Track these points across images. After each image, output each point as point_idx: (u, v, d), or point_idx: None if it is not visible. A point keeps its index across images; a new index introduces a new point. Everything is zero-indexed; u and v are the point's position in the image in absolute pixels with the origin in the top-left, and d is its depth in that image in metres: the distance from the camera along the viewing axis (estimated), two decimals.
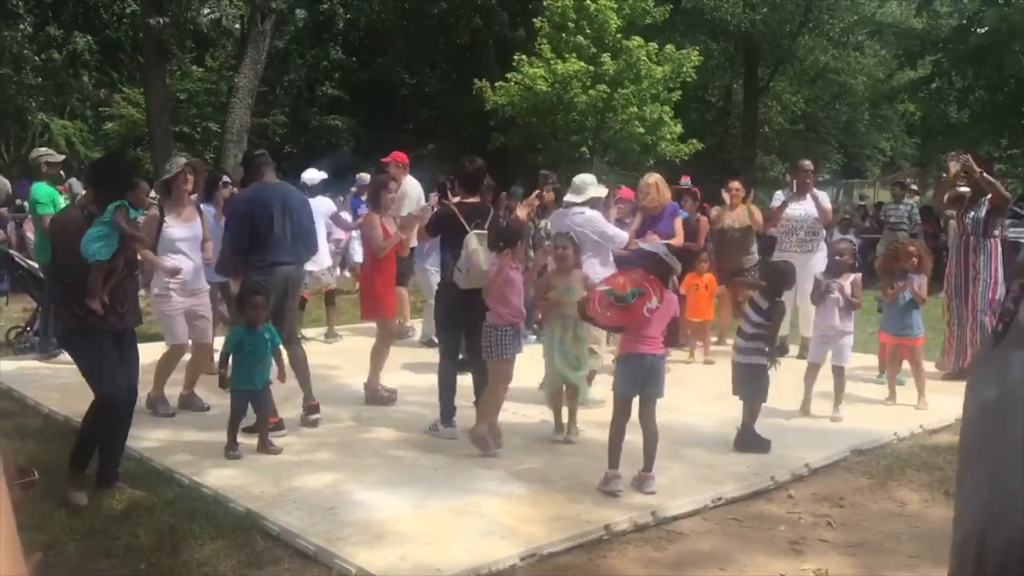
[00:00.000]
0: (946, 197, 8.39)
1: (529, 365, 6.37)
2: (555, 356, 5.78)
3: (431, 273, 8.62)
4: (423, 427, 6.10)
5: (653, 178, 8.41)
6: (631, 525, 4.44)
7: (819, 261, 8.50)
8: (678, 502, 4.73)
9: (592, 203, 6.84)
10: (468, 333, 6.12)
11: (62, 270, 4.83)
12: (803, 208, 8.72)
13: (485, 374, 5.96)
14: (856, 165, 38.43)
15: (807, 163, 9.13)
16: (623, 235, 7.07)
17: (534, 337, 8.42)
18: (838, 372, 6.59)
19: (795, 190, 8.71)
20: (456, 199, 6.41)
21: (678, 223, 8.25)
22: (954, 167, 7.96)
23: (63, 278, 4.80)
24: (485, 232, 5.85)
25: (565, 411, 6.01)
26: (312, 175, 9.91)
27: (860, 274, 6.82)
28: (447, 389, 6.06)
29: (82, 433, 4.88)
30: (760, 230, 9.33)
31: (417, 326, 9.87)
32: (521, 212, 7.30)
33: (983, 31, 20.19)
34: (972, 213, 7.97)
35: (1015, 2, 19.46)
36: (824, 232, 9.07)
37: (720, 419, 6.07)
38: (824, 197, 9.16)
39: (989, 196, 7.87)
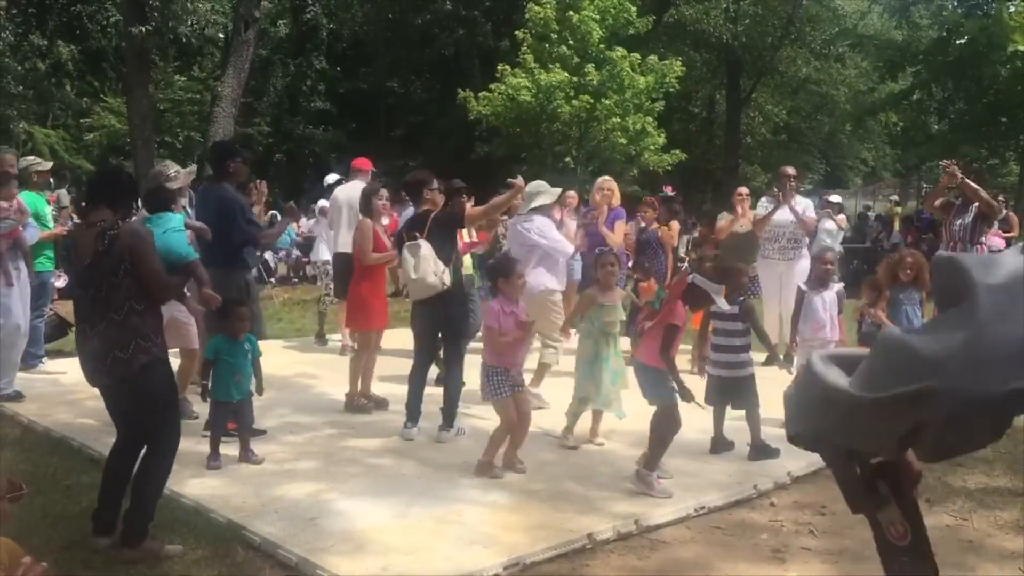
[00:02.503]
0: (937, 203, 8.44)
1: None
2: (601, 372, 5.76)
3: None
4: (422, 416, 6.17)
5: (611, 181, 8.56)
6: (614, 534, 4.44)
7: (803, 269, 8.53)
8: (661, 511, 4.74)
9: (541, 210, 7.06)
10: (444, 342, 6.21)
11: (138, 294, 4.08)
12: (785, 215, 8.77)
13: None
14: (838, 175, 38.72)
15: (790, 169, 9.18)
16: (567, 244, 7.17)
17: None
18: None
19: (782, 197, 8.75)
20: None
21: (619, 226, 8.31)
22: (948, 180, 8.04)
23: (136, 303, 4.06)
24: (417, 243, 5.95)
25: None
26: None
27: (842, 284, 6.84)
28: (414, 393, 6.17)
29: (156, 487, 4.24)
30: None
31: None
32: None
33: (962, 42, 20.43)
34: (960, 220, 7.99)
35: (994, 14, 19.71)
36: (807, 240, 9.10)
37: (703, 428, 6.06)
38: (808, 205, 9.20)
39: (977, 203, 7.92)
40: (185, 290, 5.19)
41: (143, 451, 4.22)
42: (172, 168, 6.34)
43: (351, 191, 8.91)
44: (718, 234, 9.67)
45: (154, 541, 4.14)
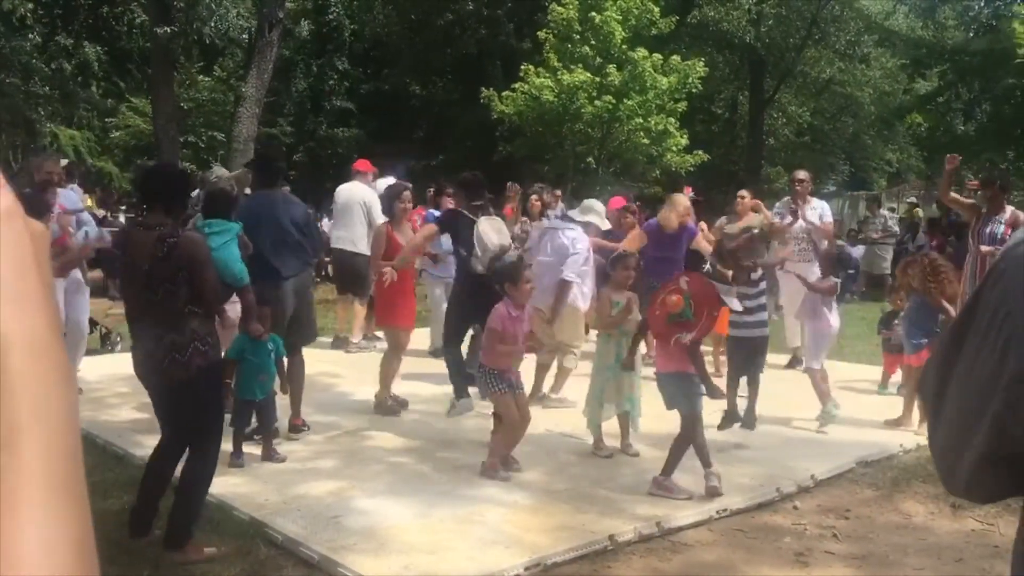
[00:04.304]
0: (965, 200, 8.41)
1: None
2: (622, 375, 5.70)
3: (435, 280, 8.80)
4: (443, 416, 6.17)
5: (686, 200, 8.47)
6: (636, 535, 4.43)
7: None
8: (683, 513, 4.72)
9: (586, 226, 7.12)
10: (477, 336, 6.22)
11: (194, 298, 4.12)
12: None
13: None
14: (862, 177, 38.41)
15: (800, 173, 9.09)
16: (578, 264, 6.98)
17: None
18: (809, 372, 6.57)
19: (793, 202, 8.71)
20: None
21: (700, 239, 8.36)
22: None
23: (194, 306, 4.12)
24: (494, 217, 6.18)
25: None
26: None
27: (831, 279, 6.67)
28: (456, 369, 6.18)
29: (203, 489, 4.24)
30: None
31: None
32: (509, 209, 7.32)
33: (985, 48, 20.31)
34: (989, 228, 7.84)
35: (1003, 29, 19.60)
36: (825, 242, 8.99)
37: (726, 432, 6.04)
38: (825, 209, 9.10)
39: (1007, 215, 7.79)
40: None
41: (186, 453, 4.22)
42: (214, 175, 6.41)
43: (350, 192, 9.26)
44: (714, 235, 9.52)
45: (195, 544, 4.14)
